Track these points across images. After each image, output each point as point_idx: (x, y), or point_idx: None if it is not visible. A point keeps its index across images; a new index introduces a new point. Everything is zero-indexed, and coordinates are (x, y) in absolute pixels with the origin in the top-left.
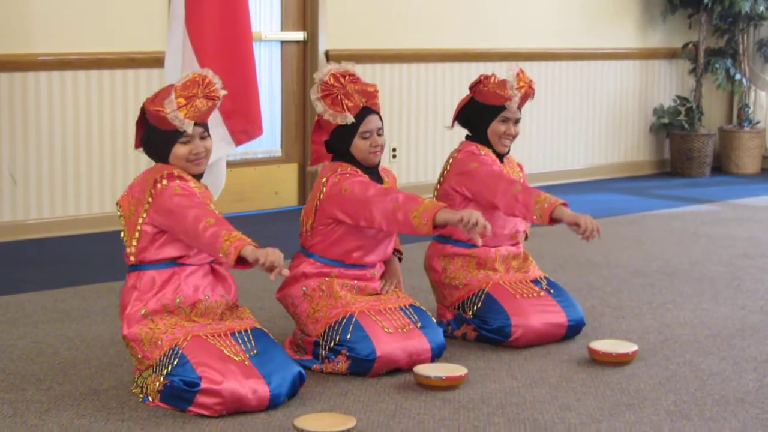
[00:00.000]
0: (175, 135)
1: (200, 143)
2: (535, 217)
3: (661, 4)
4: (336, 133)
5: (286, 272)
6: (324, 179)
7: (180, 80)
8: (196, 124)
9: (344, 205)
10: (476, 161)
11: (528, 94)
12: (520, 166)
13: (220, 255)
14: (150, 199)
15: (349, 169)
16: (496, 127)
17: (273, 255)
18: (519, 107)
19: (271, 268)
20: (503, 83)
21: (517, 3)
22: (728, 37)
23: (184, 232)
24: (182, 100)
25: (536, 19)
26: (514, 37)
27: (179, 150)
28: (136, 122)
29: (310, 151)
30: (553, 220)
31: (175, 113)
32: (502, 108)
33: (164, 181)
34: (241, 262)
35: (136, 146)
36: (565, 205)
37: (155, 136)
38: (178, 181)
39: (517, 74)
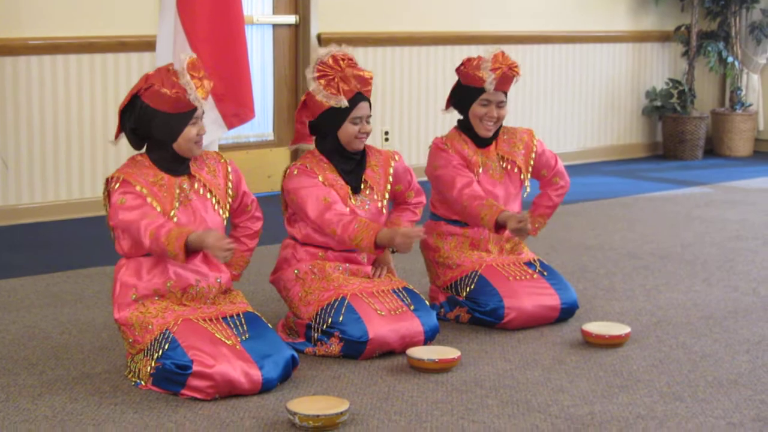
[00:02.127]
0: (187, 116)
1: (202, 124)
2: (484, 226)
3: None
4: (326, 115)
5: (228, 256)
6: (287, 169)
7: (181, 62)
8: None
9: (292, 206)
10: (439, 161)
11: (507, 76)
12: (528, 133)
13: (171, 257)
14: (106, 203)
15: (308, 163)
16: (476, 109)
17: (221, 238)
18: (501, 89)
19: (222, 248)
20: (479, 64)
21: None
22: (720, 19)
23: (137, 244)
24: (198, 81)
25: (529, 2)
26: (506, 20)
27: (191, 131)
28: (120, 111)
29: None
30: (500, 227)
31: (195, 94)
32: (482, 90)
33: (116, 185)
34: (192, 254)
35: (116, 136)
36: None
37: (162, 121)
38: (124, 187)
39: (495, 56)
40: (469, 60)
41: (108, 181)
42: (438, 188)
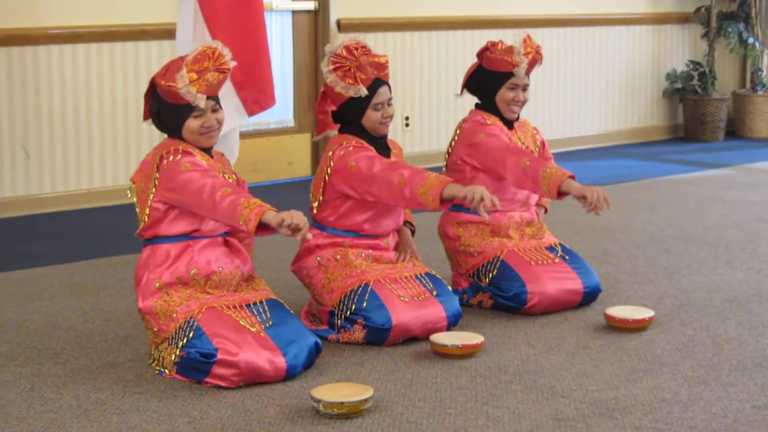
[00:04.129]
0: (187, 109)
1: (212, 116)
2: (543, 191)
3: None
4: (347, 105)
5: (310, 236)
6: (330, 153)
7: (190, 54)
8: (207, 98)
9: (350, 181)
10: (483, 132)
11: (535, 59)
12: (536, 130)
13: (240, 223)
14: (157, 175)
15: (354, 142)
16: (504, 93)
17: (297, 217)
18: (527, 73)
19: (296, 229)
20: (510, 49)
21: None
22: (740, 0)
23: (198, 204)
24: (194, 75)
25: None
26: (525, 3)
27: (192, 124)
28: (145, 95)
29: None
30: (561, 194)
31: (188, 88)
32: (510, 75)
33: (171, 157)
34: (261, 228)
35: (145, 118)
36: (572, 177)
37: (167, 110)
38: (185, 156)
39: (524, 40)
40: (493, 44)
41: (163, 157)
42: (483, 155)
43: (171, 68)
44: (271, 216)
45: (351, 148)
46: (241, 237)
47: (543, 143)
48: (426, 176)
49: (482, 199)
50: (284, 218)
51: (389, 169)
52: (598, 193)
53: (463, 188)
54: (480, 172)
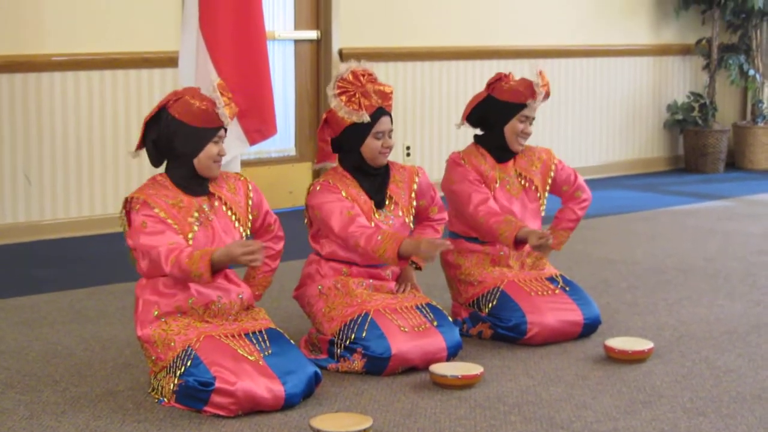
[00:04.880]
0: (212, 132)
1: (223, 146)
2: (502, 243)
3: (674, 1)
4: (348, 131)
5: (259, 261)
6: (310, 186)
7: (210, 83)
8: (222, 128)
9: (317, 222)
10: (455, 176)
11: (547, 94)
12: (547, 152)
13: (195, 279)
14: (124, 224)
15: (331, 179)
16: (514, 125)
17: (242, 246)
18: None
19: (250, 253)
20: (526, 81)
21: (530, 1)
22: (741, 32)
23: (158, 271)
24: (226, 99)
25: (549, 16)
26: (527, 34)
27: (212, 149)
28: (146, 121)
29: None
30: (519, 243)
31: (223, 110)
32: (523, 106)
33: (137, 206)
34: (218, 272)
35: (138, 148)
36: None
37: (186, 134)
38: (143, 209)
39: (539, 73)
40: (506, 76)
41: (127, 201)
42: (454, 203)
43: (191, 91)
44: (217, 255)
45: (318, 187)
46: (254, 275)
47: (563, 169)
48: (379, 241)
49: (435, 244)
50: (231, 252)
51: (345, 227)
52: (544, 239)
53: (417, 244)
54: None
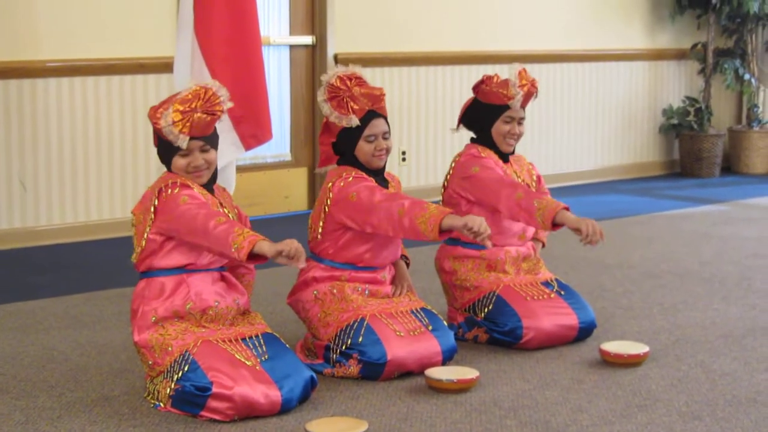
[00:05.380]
0: (174, 148)
1: (199, 156)
2: (538, 223)
3: (669, 5)
4: (341, 136)
5: (303, 264)
6: (330, 184)
7: (183, 92)
8: (195, 138)
9: (350, 211)
10: (478, 165)
11: (531, 92)
12: (532, 165)
13: (232, 249)
14: (153, 207)
15: (353, 173)
16: (499, 126)
17: (293, 244)
18: (522, 106)
19: (292, 257)
20: (505, 82)
21: (525, 5)
22: (737, 37)
23: (192, 232)
24: (178, 115)
25: (544, 21)
26: (522, 39)
27: (178, 162)
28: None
29: (319, 154)
30: (556, 225)
31: (170, 128)
32: (506, 107)
33: (169, 190)
34: (253, 257)
35: (156, 143)
36: (567, 209)
37: (159, 144)
38: (184, 189)
39: (519, 73)
40: (489, 78)
41: (162, 190)
42: (477, 188)
43: (164, 104)
44: (267, 246)
45: (350, 179)
46: (241, 273)
47: (539, 178)
48: (426, 207)
49: (479, 231)
50: (281, 249)
51: (389, 200)
52: (593, 226)
53: (462, 218)
54: (475, 205)
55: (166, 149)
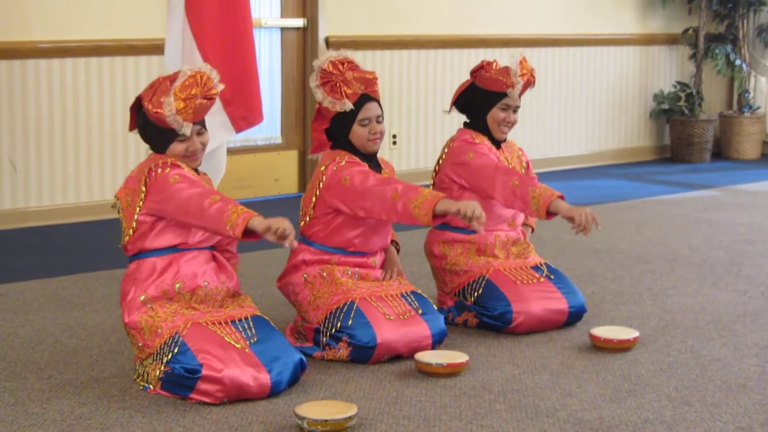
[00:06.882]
0: (173, 134)
1: (196, 139)
2: (532, 211)
3: None
4: (335, 121)
5: (296, 243)
6: (323, 168)
7: (178, 79)
8: (194, 123)
9: (343, 195)
10: (472, 151)
11: (529, 82)
12: (521, 150)
13: (227, 227)
14: (144, 188)
15: (347, 157)
16: (495, 113)
17: (284, 223)
18: (520, 95)
19: (282, 236)
20: (506, 70)
21: None
22: (728, 22)
23: (186, 211)
24: (181, 103)
25: (536, 5)
26: (514, 23)
27: (176, 147)
28: (131, 108)
29: (310, 138)
30: (550, 214)
31: (175, 117)
32: (504, 95)
33: (159, 170)
34: (248, 235)
35: (131, 129)
36: (562, 197)
37: (152, 131)
38: (174, 169)
39: (520, 62)
40: (489, 64)
41: (151, 170)
42: (471, 174)
43: (158, 90)
44: (258, 222)
45: (343, 162)
46: (227, 256)
47: (528, 164)
48: (419, 191)
49: (473, 215)
50: (271, 224)
51: (382, 184)
52: (587, 214)
53: (456, 203)
54: (467, 190)
55: (163, 135)
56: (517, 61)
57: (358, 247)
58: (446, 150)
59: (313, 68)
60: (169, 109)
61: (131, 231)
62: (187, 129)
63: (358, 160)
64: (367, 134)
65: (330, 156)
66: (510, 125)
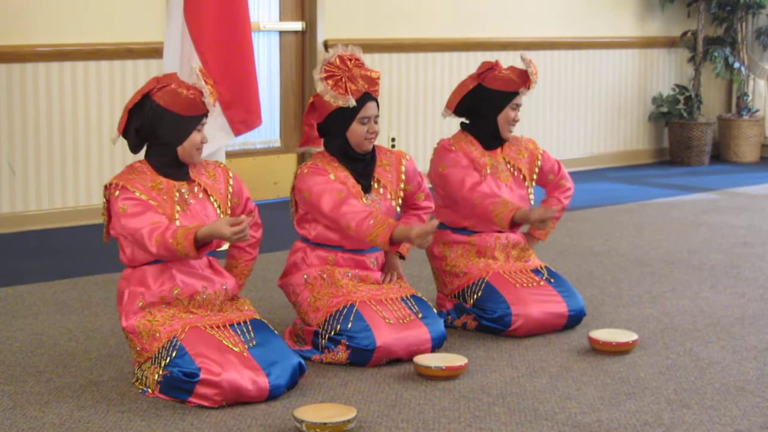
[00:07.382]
0: (196, 120)
1: (205, 133)
2: (498, 226)
3: None
4: (334, 116)
5: (250, 219)
6: (297, 170)
7: (193, 71)
8: (205, 114)
9: (307, 207)
10: (445, 161)
11: (535, 80)
12: (532, 143)
13: (184, 258)
14: (105, 210)
15: (319, 162)
16: (507, 113)
17: (235, 221)
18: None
19: (240, 231)
20: (519, 70)
21: None
22: (727, 25)
23: (140, 248)
24: (210, 87)
25: (535, 8)
26: (512, 26)
27: (196, 137)
28: (128, 108)
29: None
30: (515, 225)
31: (209, 98)
32: (515, 94)
33: (115, 192)
34: (202, 248)
35: (119, 132)
36: (519, 209)
37: (171, 121)
38: (123, 193)
39: (530, 61)
40: (497, 64)
41: (106, 188)
42: (445, 188)
43: (176, 79)
44: (202, 233)
45: (306, 170)
46: (237, 255)
47: (549, 158)
48: (370, 227)
49: (427, 230)
50: (223, 231)
51: (337, 207)
52: (544, 211)
53: (408, 230)
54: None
55: (184, 125)
56: (527, 61)
57: (351, 245)
58: (433, 153)
59: (320, 62)
60: (204, 90)
61: (113, 240)
62: (212, 113)
63: (322, 169)
64: (365, 133)
65: (312, 157)
66: (516, 124)
